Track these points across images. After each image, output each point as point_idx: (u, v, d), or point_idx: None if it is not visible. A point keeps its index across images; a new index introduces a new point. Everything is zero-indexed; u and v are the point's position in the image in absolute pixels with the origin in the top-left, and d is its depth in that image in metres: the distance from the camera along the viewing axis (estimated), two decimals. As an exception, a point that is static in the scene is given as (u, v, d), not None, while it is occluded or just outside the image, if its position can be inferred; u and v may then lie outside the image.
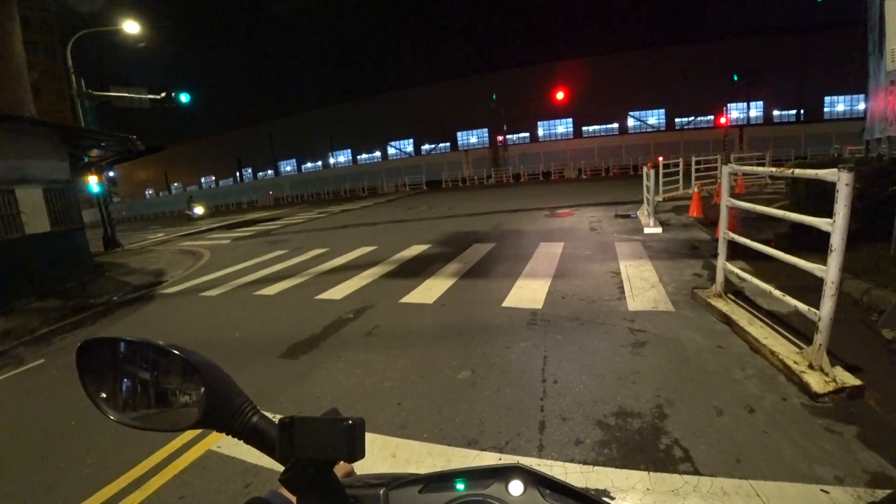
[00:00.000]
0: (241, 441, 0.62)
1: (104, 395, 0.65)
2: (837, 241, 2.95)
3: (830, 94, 39.49)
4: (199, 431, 3.14)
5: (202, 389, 0.61)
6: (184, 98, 17.85)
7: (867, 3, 6.70)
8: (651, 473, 2.37)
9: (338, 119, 53.20)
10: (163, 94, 17.45)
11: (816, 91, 39.02)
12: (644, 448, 2.58)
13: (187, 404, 0.63)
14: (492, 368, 3.78)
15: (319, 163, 57.60)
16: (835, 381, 2.96)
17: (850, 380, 2.96)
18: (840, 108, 39.75)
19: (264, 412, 0.65)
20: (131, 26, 16.29)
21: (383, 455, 2.74)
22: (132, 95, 16.83)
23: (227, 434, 0.63)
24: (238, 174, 62.78)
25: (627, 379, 3.39)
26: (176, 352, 0.62)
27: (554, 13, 48.97)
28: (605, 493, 2.28)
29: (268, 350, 4.74)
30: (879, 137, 6.39)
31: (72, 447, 3.30)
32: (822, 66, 35.59)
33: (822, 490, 2.14)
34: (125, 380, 0.65)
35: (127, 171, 63.05)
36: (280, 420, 0.56)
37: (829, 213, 3.00)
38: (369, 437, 2.89)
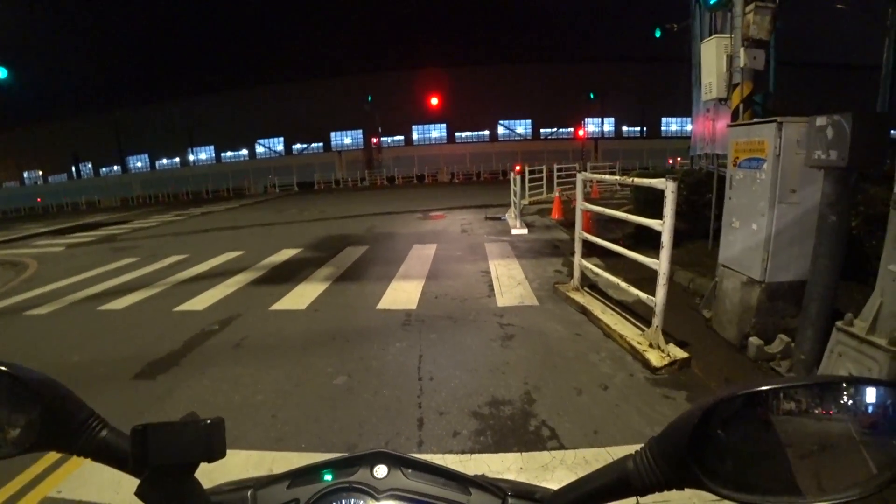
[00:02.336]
0: (90, 459, 0.57)
1: None
2: (666, 239, 3.49)
3: (666, 116, 46.01)
4: (31, 477, 2.65)
5: (37, 408, 0.54)
6: (-2, 76, 14.85)
7: (691, 44, 7.98)
8: (523, 454, 2.55)
9: (199, 112, 48.25)
10: (-34, 70, 14.35)
11: (656, 112, 45.23)
12: (516, 432, 2.77)
13: (20, 424, 0.55)
14: (368, 371, 3.76)
15: (177, 160, 51.67)
16: (669, 355, 3.47)
17: (680, 353, 3.50)
18: (673, 127, 46.50)
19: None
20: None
21: (259, 471, 2.55)
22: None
23: (71, 454, 0.57)
24: (74, 170, 53.85)
25: (498, 370, 3.61)
26: (0, 367, 0.54)
27: (429, 21, 50.27)
28: (482, 477, 2.39)
29: (117, 373, 4.14)
30: (700, 154, 7.65)
31: None
32: (660, 92, 41.29)
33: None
34: None
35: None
36: (132, 428, 0.52)
37: (661, 215, 3.52)
38: (243, 455, 2.69)
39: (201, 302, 6.13)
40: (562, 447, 2.60)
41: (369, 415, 3.09)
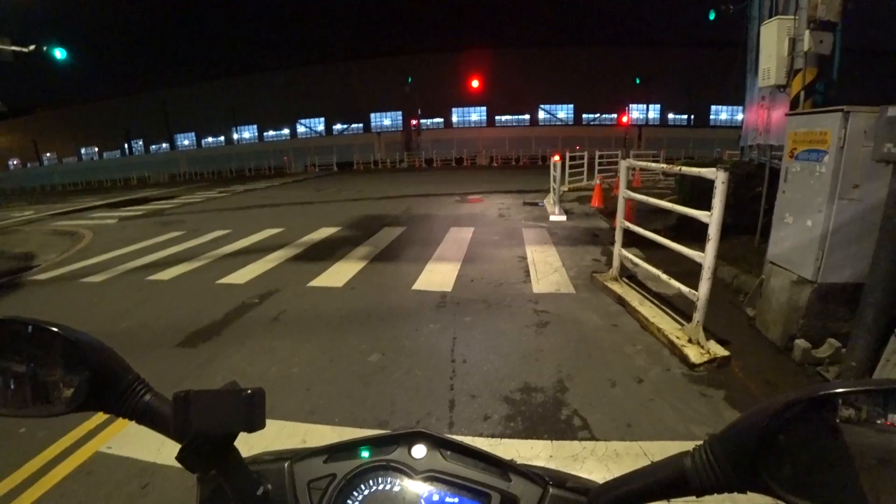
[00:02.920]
0: (134, 422, 0.58)
1: None
2: (714, 232, 3.34)
3: (715, 104, 43.98)
4: (84, 432, 2.84)
5: (87, 370, 0.55)
6: (59, 54, 15.51)
7: (747, 27, 7.54)
8: (553, 442, 2.54)
9: (244, 92, 49.36)
10: (31, 48, 15.05)
11: (705, 99, 43.22)
12: (547, 419, 2.75)
13: (71, 384, 0.56)
14: (402, 351, 3.80)
15: (222, 138, 53.18)
16: (708, 352, 3.35)
17: (721, 351, 3.37)
18: (723, 116, 44.42)
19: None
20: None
21: (293, 442, 2.65)
22: (-12, 46, 14.31)
23: (117, 415, 0.58)
24: (126, 146, 56.28)
25: (531, 357, 3.58)
26: (54, 328, 0.56)
27: (471, 3, 49.47)
28: (512, 462, 2.40)
29: (162, 340, 4.35)
30: (752, 144, 7.27)
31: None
32: (710, 78, 39.43)
33: (696, 446, 2.43)
34: None
35: (-17, 137, 54.08)
36: (174, 395, 0.53)
37: (708, 207, 3.38)
38: (277, 425, 2.78)
39: (242, 276, 6.33)
40: (593, 438, 2.57)
41: (401, 394, 3.13)
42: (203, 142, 54.25)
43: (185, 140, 54.95)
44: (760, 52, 5.92)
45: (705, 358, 3.31)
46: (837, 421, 0.41)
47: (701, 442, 0.48)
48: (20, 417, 0.58)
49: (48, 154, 58.81)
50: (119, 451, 2.68)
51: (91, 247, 9.64)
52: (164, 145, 55.03)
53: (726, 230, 3.52)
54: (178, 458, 0.53)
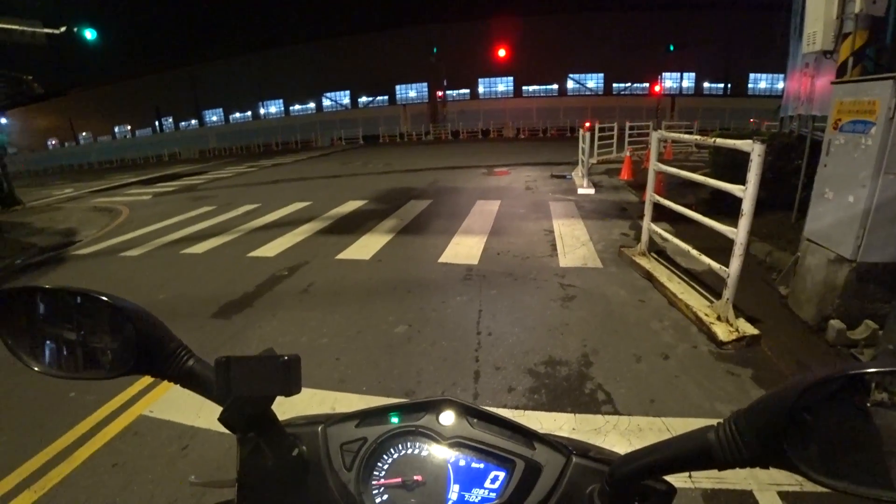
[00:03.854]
0: (178, 385, 0.62)
1: (24, 352, 0.61)
2: (748, 206, 3.23)
3: (754, 72, 41.84)
4: (128, 397, 3.01)
5: (134, 336, 0.59)
6: (89, 35, 15.75)
7: (792, -12, 7.08)
8: (576, 415, 2.57)
9: (269, 67, 49.47)
10: (62, 29, 15.32)
11: (742, 67, 41.15)
12: (570, 393, 2.78)
13: (118, 349, 0.60)
14: (428, 322, 3.86)
15: (249, 113, 53.71)
16: (737, 330, 3.30)
17: (750, 329, 3.31)
18: (762, 85, 42.26)
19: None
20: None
21: (323, 409, 2.76)
22: (22, 28, 14.58)
23: (162, 379, 0.62)
24: (157, 124, 57.47)
25: (557, 330, 3.59)
26: (103, 297, 0.59)
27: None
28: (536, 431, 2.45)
29: (197, 311, 4.53)
30: (792, 115, 6.92)
31: (-24, 422, 3.03)
32: (749, 44, 37.41)
33: (718, 423, 2.41)
34: (47, 342, 0.61)
35: (24, 119, 55.73)
36: (216, 360, 0.56)
37: (743, 180, 3.26)
38: (308, 392, 2.89)
39: (272, 249, 6.48)
40: (616, 413, 2.59)
41: (427, 364, 3.20)
42: (231, 117, 54.88)
43: (214, 116, 55.67)
44: (806, 14, 5.56)
45: (734, 336, 3.26)
46: (868, 404, 0.40)
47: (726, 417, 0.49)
48: (75, 379, 0.63)
49: (84, 133, 60.58)
50: (161, 414, 2.84)
51: (128, 222, 10.00)
52: (193, 122, 55.92)
53: (761, 205, 3.39)
54: (220, 419, 0.56)
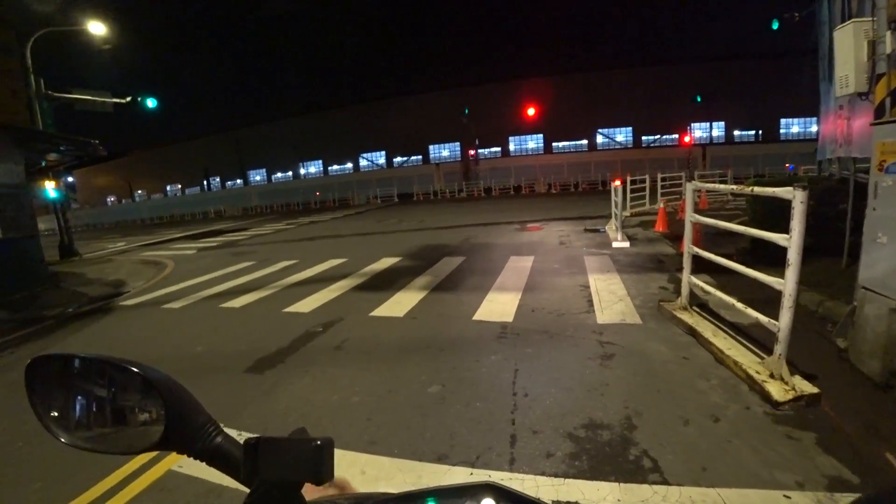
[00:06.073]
0: (204, 463, 0.60)
1: (55, 415, 0.62)
2: (794, 256, 3.09)
3: (785, 117, 41.48)
4: (156, 452, 3.00)
5: (162, 409, 0.58)
6: (150, 103, 17.32)
7: (817, 34, 7.10)
8: (621, 484, 2.39)
9: (309, 129, 52.55)
10: (128, 99, 16.88)
11: (773, 113, 40.91)
12: (613, 459, 2.60)
13: (146, 422, 0.60)
14: (462, 382, 3.75)
15: (290, 173, 56.68)
16: (794, 389, 3.06)
17: (808, 388, 3.07)
18: (795, 129, 41.74)
19: (227, 430, 0.62)
20: (96, 27, 15.71)
21: (352, 472, 2.67)
22: (95, 98, 16.15)
23: (189, 456, 0.60)
24: (205, 183, 61.14)
25: (596, 391, 3.42)
26: (134, 368, 0.59)
27: (525, 32, 50.17)
28: None
29: (232, 365, 4.58)
30: (830, 158, 6.74)
31: (17, 471, 3.08)
32: (778, 90, 37.35)
33: (784, 496, 2.19)
34: (79, 397, 0.62)
35: (86, 177, 60.40)
36: (245, 441, 0.54)
37: (784, 228, 3.14)
38: (338, 454, 2.77)
39: (307, 305, 6.57)
40: (665, 482, 2.39)
41: (460, 427, 3.08)
42: (273, 177, 57.97)
43: (257, 175, 59.00)
44: (835, 58, 5.50)
45: (790, 395, 3.02)
46: None
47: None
48: (100, 453, 0.62)
49: (139, 191, 65.12)
50: (189, 470, 2.82)
51: (172, 275, 10.43)
52: (238, 181, 59.28)
53: (806, 252, 3.22)
54: (246, 503, 0.54)
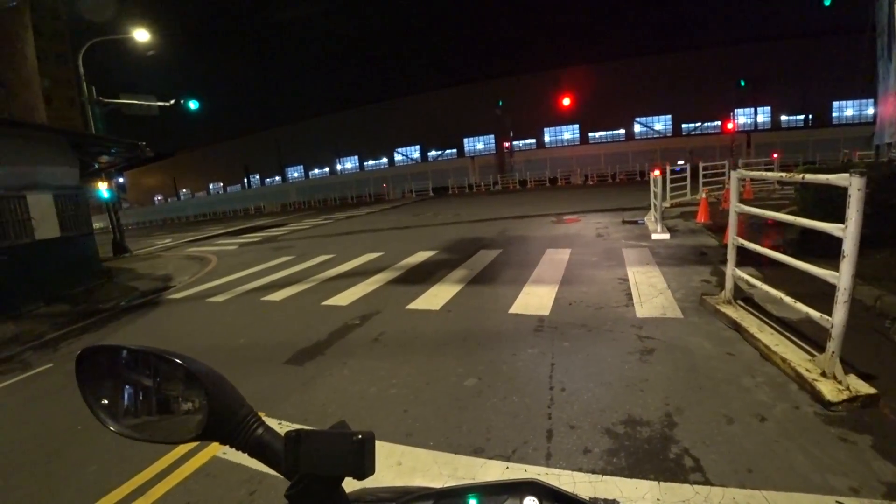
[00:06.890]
0: (245, 454, 0.61)
1: (104, 403, 0.65)
2: (850, 247, 2.91)
3: (838, 100, 39.19)
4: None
5: (205, 400, 0.60)
6: (193, 105, 18.06)
7: (875, 7, 6.63)
8: (661, 483, 2.33)
9: (345, 125, 53.41)
10: (172, 102, 17.65)
11: (824, 96, 38.72)
12: (653, 457, 2.54)
13: (189, 411, 0.62)
14: (498, 376, 3.75)
15: (326, 169, 57.81)
16: (848, 389, 2.90)
17: (865, 388, 2.90)
18: (849, 112, 39.40)
19: (268, 420, 0.63)
20: (141, 34, 16.46)
21: (389, 463, 2.71)
22: (142, 103, 17.01)
23: (231, 446, 0.61)
24: (246, 180, 63.16)
25: (636, 386, 3.35)
26: (177, 360, 0.61)
27: (560, 20, 49.22)
28: (615, 503, 2.24)
29: (272, 356, 4.73)
30: (889, 142, 6.33)
31: (75, 453, 3.30)
32: (829, 71, 35.32)
33: (836, 501, 2.09)
34: (126, 386, 0.65)
35: (135, 177, 63.65)
36: (286, 434, 0.55)
37: (837, 218, 2.97)
38: (376, 445, 2.86)
39: (345, 298, 6.70)
40: (707, 482, 2.31)
41: (497, 420, 3.08)
42: (310, 173, 59.30)
43: (295, 172, 60.54)
44: (897, 34, 5.16)
45: (844, 395, 2.86)
46: None
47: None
48: (147, 442, 0.64)
49: (184, 190, 68.02)
50: (233, 457, 2.93)
51: (216, 270, 10.85)
52: (276, 178, 60.96)
53: (863, 243, 3.02)
54: (287, 495, 0.55)
